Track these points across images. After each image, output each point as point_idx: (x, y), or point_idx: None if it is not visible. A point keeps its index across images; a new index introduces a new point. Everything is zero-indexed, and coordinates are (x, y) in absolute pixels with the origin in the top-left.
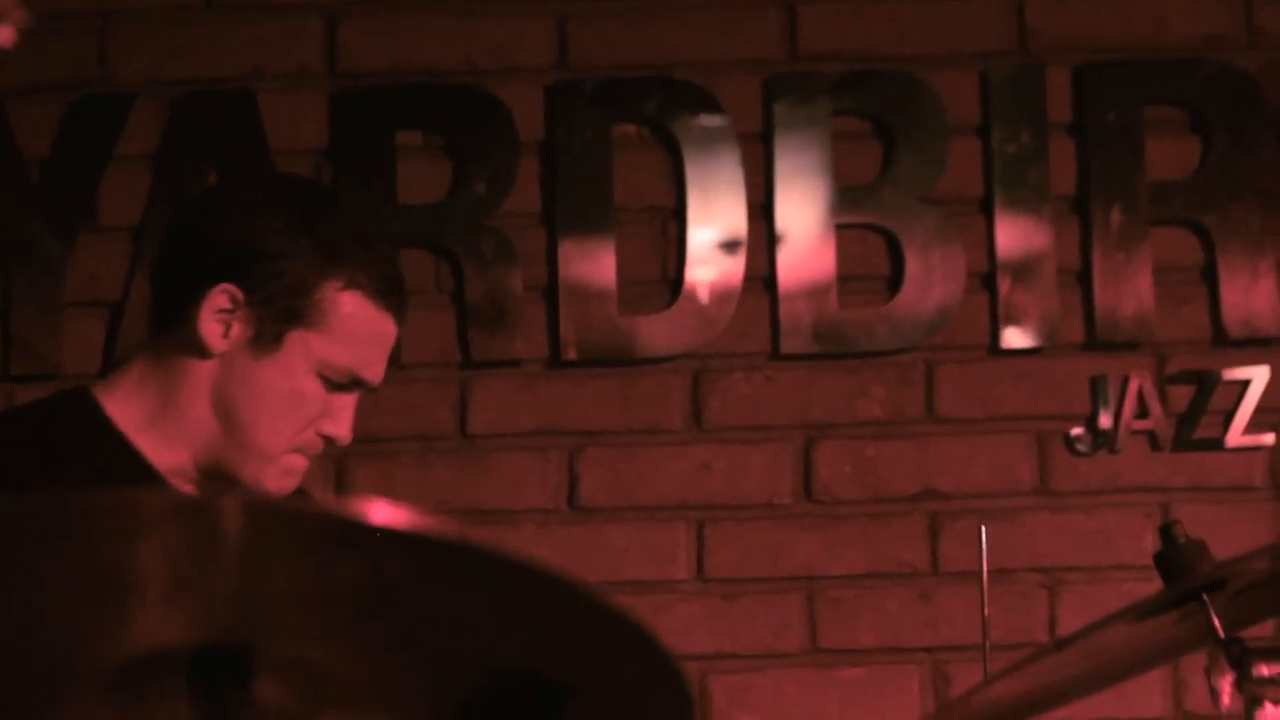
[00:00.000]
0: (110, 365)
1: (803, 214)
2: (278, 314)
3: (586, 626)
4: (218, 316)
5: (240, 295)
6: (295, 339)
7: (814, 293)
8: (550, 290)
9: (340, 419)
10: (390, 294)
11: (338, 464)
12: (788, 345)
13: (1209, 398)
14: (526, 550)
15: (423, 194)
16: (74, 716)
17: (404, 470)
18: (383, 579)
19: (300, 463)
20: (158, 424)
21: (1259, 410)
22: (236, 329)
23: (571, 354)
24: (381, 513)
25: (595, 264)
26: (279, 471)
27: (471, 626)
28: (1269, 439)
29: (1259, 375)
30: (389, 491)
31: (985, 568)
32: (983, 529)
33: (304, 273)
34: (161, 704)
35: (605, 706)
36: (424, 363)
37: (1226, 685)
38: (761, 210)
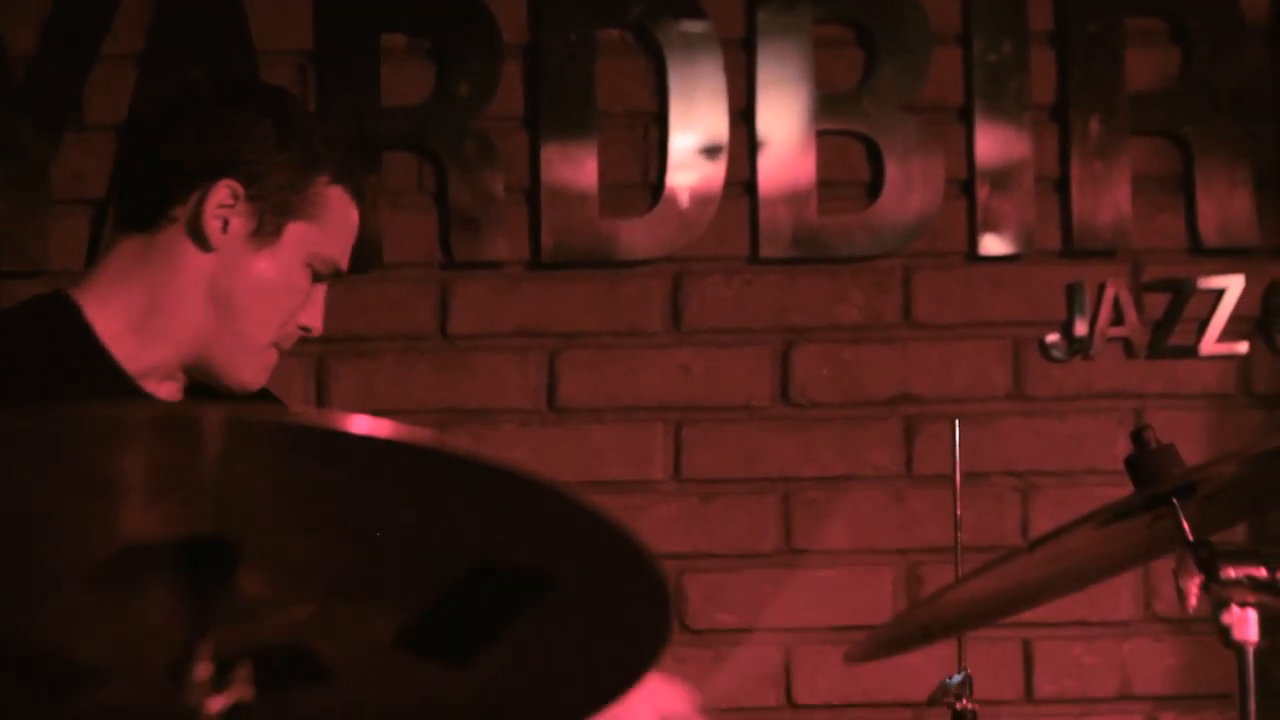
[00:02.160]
0: (95, 261)
1: (784, 120)
2: (277, 208)
3: (563, 525)
4: (218, 211)
5: (240, 191)
6: (293, 231)
7: (794, 198)
8: (532, 193)
9: (315, 310)
10: (360, 187)
11: (319, 363)
12: (767, 250)
13: (1184, 306)
14: (506, 450)
15: (406, 96)
16: (63, 610)
17: (385, 370)
18: (362, 483)
19: (275, 356)
20: (141, 322)
21: (1233, 319)
22: (235, 223)
23: (552, 256)
24: (359, 424)
25: (577, 167)
26: (262, 365)
27: (449, 524)
28: (1243, 347)
29: (1234, 284)
30: (370, 391)
31: (958, 465)
32: (955, 424)
33: (296, 169)
34: (147, 597)
35: (583, 600)
36: (406, 263)
37: (1194, 588)
38: (742, 116)
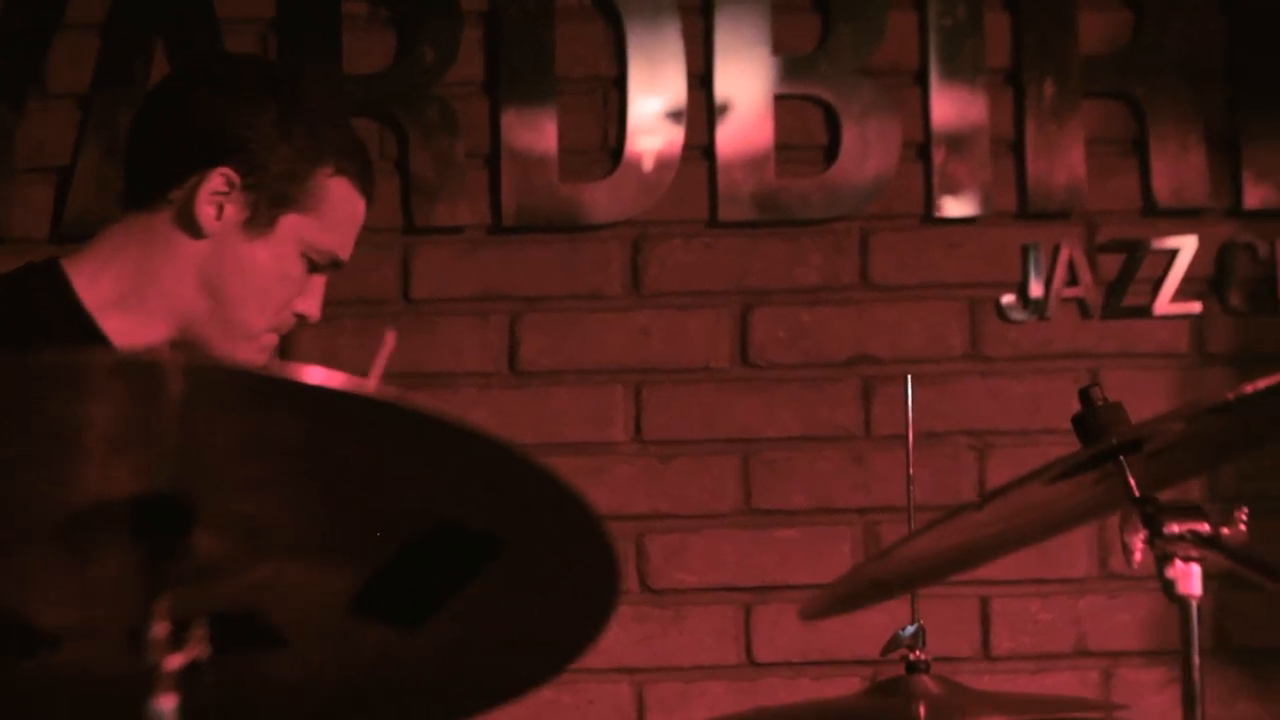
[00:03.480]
0: (59, 230)
1: (742, 84)
2: (272, 198)
3: (514, 484)
4: (213, 198)
5: (237, 179)
6: (287, 223)
7: (752, 162)
8: (492, 158)
9: (312, 298)
10: (368, 178)
11: None
12: (726, 213)
13: (1138, 266)
14: (468, 413)
15: (368, 63)
16: (22, 567)
17: (347, 334)
18: (318, 437)
19: (273, 340)
20: (130, 301)
21: (1186, 279)
22: (230, 211)
23: (513, 221)
24: (317, 374)
25: (537, 132)
26: (255, 350)
27: (403, 483)
28: (1196, 307)
29: (1187, 245)
30: (332, 355)
31: (911, 424)
32: (908, 380)
33: (297, 160)
34: (104, 554)
35: (533, 560)
36: (368, 228)
37: (1138, 543)
38: (701, 81)
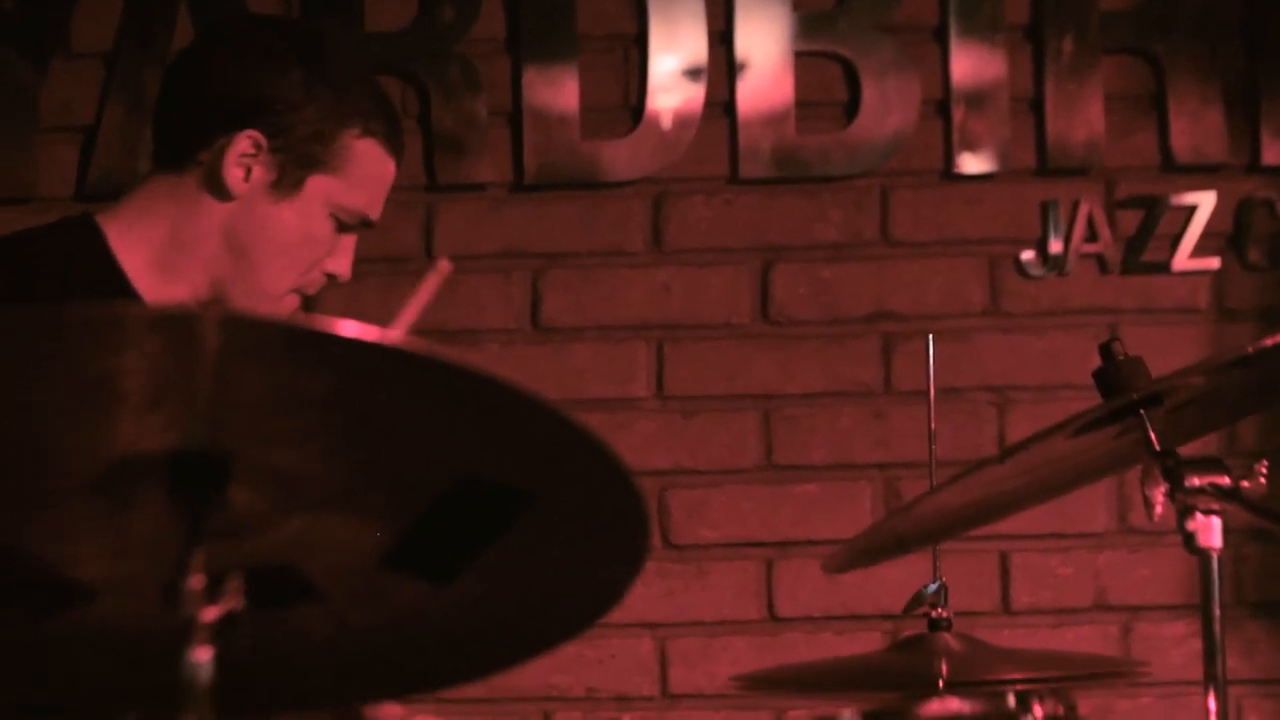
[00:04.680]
0: (83, 189)
1: (762, 42)
2: (299, 160)
3: (544, 437)
4: (240, 161)
5: (264, 141)
6: (315, 184)
7: (773, 119)
8: (514, 116)
9: (343, 257)
10: (396, 139)
11: None
12: (746, 170)
13: (1156, 222)
14: (491, 369)
15: (390, 21)
16: (59, 520)
17: (370, 292)
18: (352, 390)
19: (295, 301)
20: (163, 258)
21: (1205, 235)
22: (257, 173)
23: (535, 178)
24: (351, 327)
25: (558, 90)
26: (281, 310)
27: (435, 436)
28: (1214, 263)
29: (1205, 200)
30: (356, 313)
31: (932, 379)
32: (930, 339)
33: (323, 121)
34: (141, 508)
35: (564, 514)
36: (391, 186)
37: (1159, 496)
38: (721, 38)
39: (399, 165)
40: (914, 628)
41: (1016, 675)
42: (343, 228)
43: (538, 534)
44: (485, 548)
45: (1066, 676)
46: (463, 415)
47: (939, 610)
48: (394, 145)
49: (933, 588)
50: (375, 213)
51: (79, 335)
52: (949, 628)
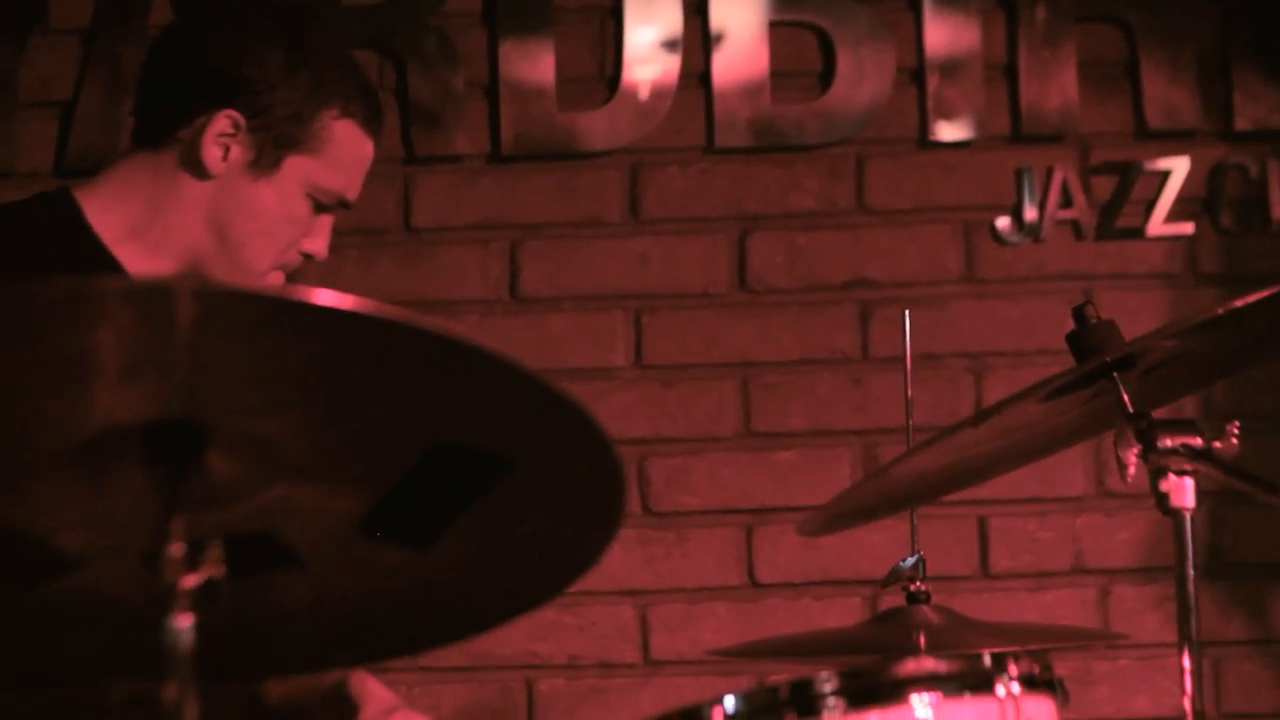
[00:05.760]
0: (62, 164)
1: (738, 12)
2: (278, 140)
3: (522, 403)
4: (219, 140)
5: (243, 121)
6: (293, 164)
7: (748, 89)
8: (491, 88)
9: (320, 237)
10: (375, 120)
11: None
12: (722, 139)
13: (1130, 188)
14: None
15: None
16: (40, 491)
17: (350, 264)
18: (329, 358)
19: (279, 278)
20: (141, 235)
21: (1179, 200)
22: (236, 152)
23: (512, 149)
24: (327, 296)
25: (535, 62)
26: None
27: (413, 403)
28: (1188, 228)
29: (1179, 166)
30: (335, 283)
31: (909, 350)
32: (906, 313)
33: (303, 102)
34: (120, 478)
35: (541, 480)
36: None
37: (1132, 458)
38: (697, 9)
39: (377, 146)
40: (893, 599)
41: (995, 649)
42: (320, 208)
43: (515, 498)
44: (465, 512)
45: (1046, 649)
46: (441, 381)
47: (917, 584)
48: (372, 126)
49: (910, 561)
50: (353, 194)
51: (53, 309)
52: (928, 600)
